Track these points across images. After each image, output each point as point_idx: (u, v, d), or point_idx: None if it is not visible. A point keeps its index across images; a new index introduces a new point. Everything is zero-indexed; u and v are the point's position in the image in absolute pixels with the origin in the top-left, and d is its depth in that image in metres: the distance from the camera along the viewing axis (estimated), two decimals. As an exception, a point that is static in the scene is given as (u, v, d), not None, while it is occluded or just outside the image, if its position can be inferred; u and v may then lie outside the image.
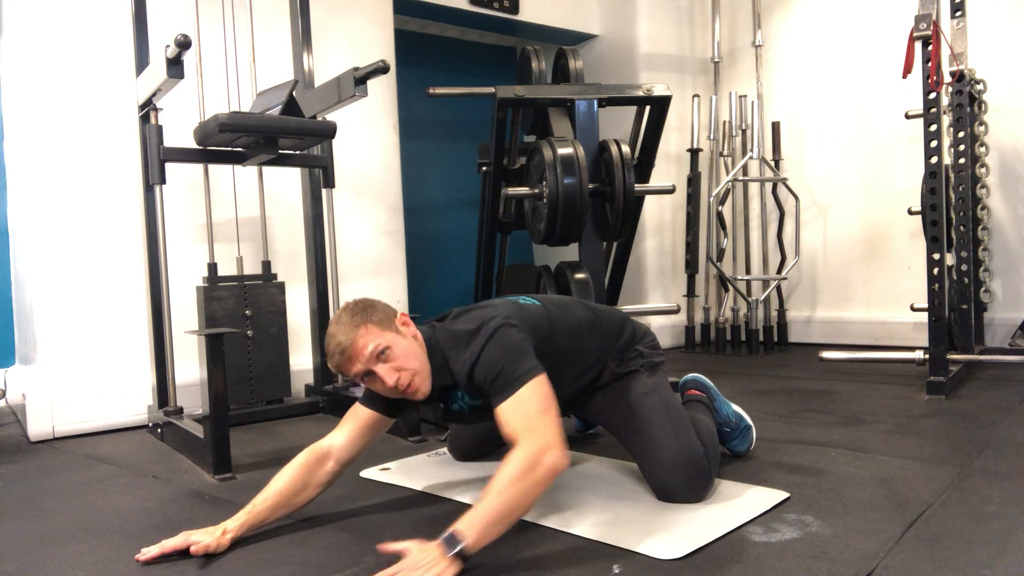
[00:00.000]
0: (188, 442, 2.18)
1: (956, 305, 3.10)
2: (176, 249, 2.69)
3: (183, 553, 1.40)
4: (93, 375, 2.63)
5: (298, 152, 2.70)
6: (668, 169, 4.23)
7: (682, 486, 1.57)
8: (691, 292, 4.22)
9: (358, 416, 1.59)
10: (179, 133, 2.55)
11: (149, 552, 1.40)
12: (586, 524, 1.47)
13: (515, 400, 1.38)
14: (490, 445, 1.99)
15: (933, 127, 2.60)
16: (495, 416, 1.40)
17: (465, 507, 1.61)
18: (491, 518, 1.24)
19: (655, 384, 1.70)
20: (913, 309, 3.36)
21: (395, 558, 1.24)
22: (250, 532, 1.47)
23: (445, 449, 2.10)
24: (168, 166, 2.43)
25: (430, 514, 1.60)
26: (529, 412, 1.35)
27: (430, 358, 1.53)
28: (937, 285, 2.63)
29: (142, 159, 2.45)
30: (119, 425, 2.64)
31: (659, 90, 2.84)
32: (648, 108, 2.92)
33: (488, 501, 1.25)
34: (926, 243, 2.70)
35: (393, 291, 3.37)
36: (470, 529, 1.22)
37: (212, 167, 2.70)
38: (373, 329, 1.45)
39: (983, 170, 3.27)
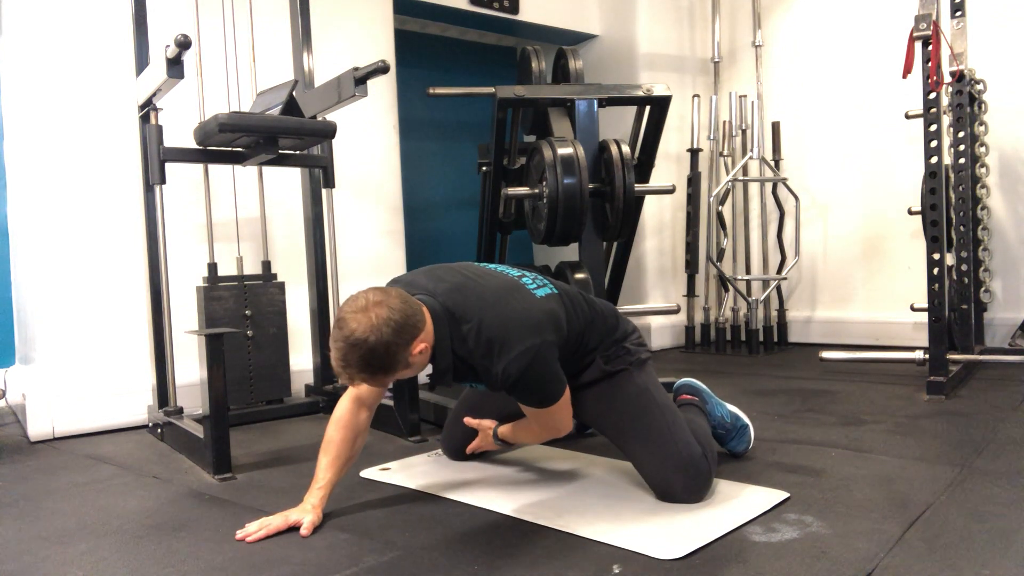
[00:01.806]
0: (188, 442, 2.18)
1: (956, 305, 3.10)
2: (176, 249, 2.69)
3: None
4: (93, 375, 2.63)
5: (298, 152, 2.70)
6: (668, 169, 4.23)
7: (681, 487, 1.57)
8: (691, 292, 4.22)
9: None
10: (179, 133, 2.55)
11: (255, 533, 1.48)
12: (586, 524, 1.47)
13: (543, 411, 1.59)
14: None
15: (933, 127, 2.60)
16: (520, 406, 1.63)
17: (465, 506, 1.61)
18: (520, 435, 1.75)
19: (647, 383, 1.70)
20: (913, 309, 3.36)
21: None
22: (328, 505, 1.60)
23: (444, 449, 2.10)
24: (168, 166, 2.42)
25: (430, 514, 1.60)
26: (552, 420, 1.63)
27: (435, 344, 1.51)
28: (937, 285, 2.63)
29: (142, 159, 2.45)
30: (119, 425, 2.64)
31: (659, 90, 2.84)
32: (648, 108, 2.91)
33: (523, 425, 1.72)
34: (926, 243, 2.70)
35: (393, 291, 3.37)
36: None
37: (212, 167, 2.70)
38: (382, 378, 1.46)
39: (983, 170, 3.27)
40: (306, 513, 1.53)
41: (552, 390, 1.55)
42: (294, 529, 1.51)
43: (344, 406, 1.65)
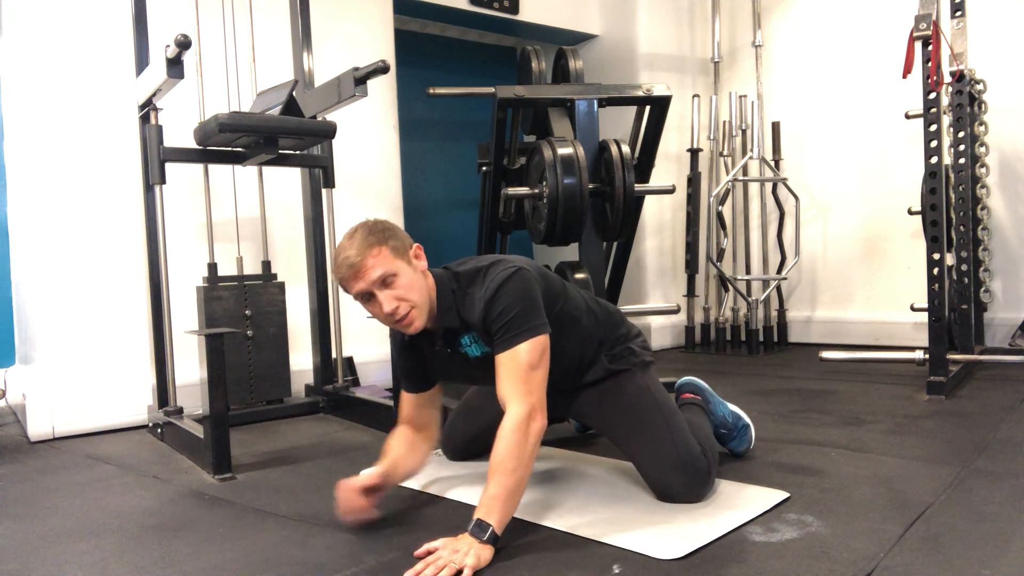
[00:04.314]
0: (188, 442, 2.18)
1: (956, 305, 3.10)
2: (176, 249, 2.69)
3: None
4: (93, 375, 2.63)
5: (298, 152, 2.70)
6: (668, 169, 4.23)
7: (681, 487, 1.57)
8: (691, 292, 4.22)
9: (408, 401, 1.70)
10: (179, 133, 2.55)
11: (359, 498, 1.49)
12: (586, 524, 1.47)
13: (515, 353, 1.45)
14: (483, 444, 1.99)
15: (933, 127, 2.60)
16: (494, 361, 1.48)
17: (465, 506, 1.61)
18: (505, 497, 1.33)
19: (648, 384, 1.70)
20: (913, 309, 3.36)
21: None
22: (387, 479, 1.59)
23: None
24: (168, 166, 2.43)
25: (430, 514, 1.60)
26: (523, 368, 1.43)
27: (438, 299, 1.55)
28: (937, 285, 2.63)
29: (142, 159, 2.45)
30: (119, 425, 2.64)
31: (659, 90, 2.84)
32: (648, 108, 2.92)
33: (497, 482, 1.34)
34: (926, 243, 2.70)
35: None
36: (491, 513, 1.31)
37: (212, 167, 2.70)
38: (386, 253, 1.46)
39: (983, 170, 3.27)
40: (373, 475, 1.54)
41: (531, 312, 1.47)
42: (295, 529, 1.51)
43: (396, 432, 1.69)
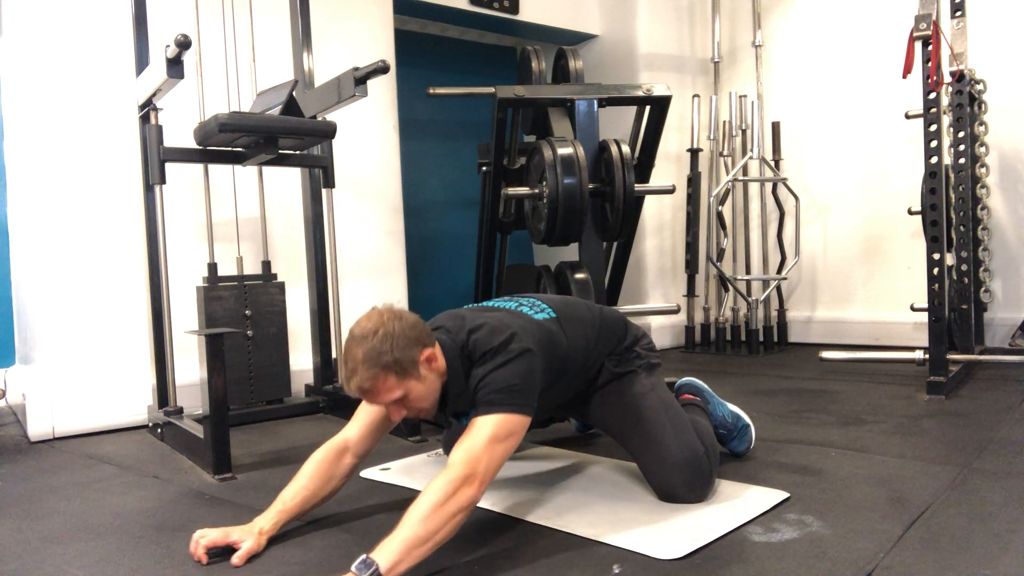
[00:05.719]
0: (188, 442, 2.18)
1: (956, 305, 3.10)
2: (176, 249, 2.69)
3: (189, 553, 1.40)
4: (93, 375, 2.63)
5: (298, 152, 2.70)
6: (668, 169, 4.23)
7: (684, 486, 1.57)
8: (691, 292, 4.22)
9: (369, 411, 1.59)
10: (179, 133, 2.55)
11: (198, 544, 1.38)
12: (586, 524, 1.47)
13: (487, 421, 1.37)
14: None
15: (933, 127, 2.60)
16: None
17: (465, 507, 1.61)
18: (408, 544, 1.19)
19: (653, 384, 1.70)
20: (913, 309, 3.36)
21: None
22: (283, 529, 1.48)
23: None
24: (168, 166, 2.42)
25: (430, 514, 1.60)
26: (488, 437, 1.34)
27: (450, 384, 1.50)
28: (937, 285, 2.63)
29: (142, 159, 2.45)
30: (119, 425, 2.64)
31: (659, 90, 2.84)
32: (648, 108, 2.92)
33: (406, 527, 1.21)
34: (926, 243, 2.70)
35: (393, 291, 3.37)
36: (386, 555, 1.17)
37: (212, 167, 2.70)
38: (392, 382, 1.39)
39: (983, 170, 3.27)
40: (249, 536, 1.40)
41: (521, 392, 1.42)
42: (295, 529, 1.50)
43: (327, 447, 1.55)
